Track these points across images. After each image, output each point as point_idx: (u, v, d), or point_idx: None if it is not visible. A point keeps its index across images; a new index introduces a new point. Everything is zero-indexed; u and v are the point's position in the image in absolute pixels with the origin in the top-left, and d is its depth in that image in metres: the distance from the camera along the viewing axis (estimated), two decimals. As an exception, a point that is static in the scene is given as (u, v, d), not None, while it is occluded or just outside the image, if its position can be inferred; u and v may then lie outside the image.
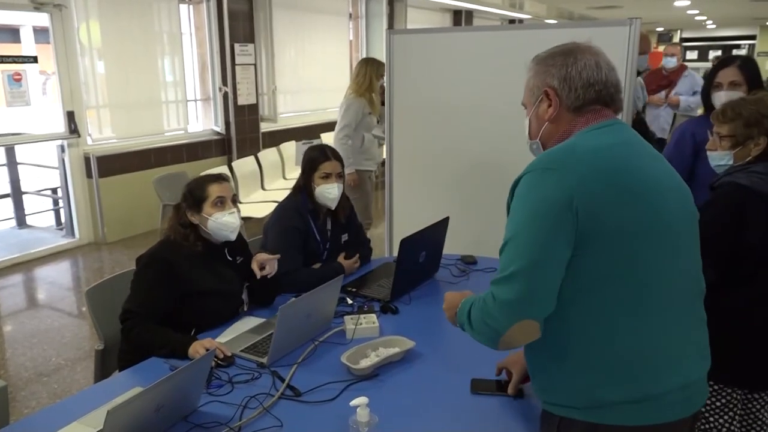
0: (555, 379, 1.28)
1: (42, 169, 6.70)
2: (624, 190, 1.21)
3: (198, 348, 1.91)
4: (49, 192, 6.50)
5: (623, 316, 1.21)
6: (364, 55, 9.15)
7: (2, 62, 4.93)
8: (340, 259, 2.65)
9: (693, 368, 1.29)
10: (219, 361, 1.87)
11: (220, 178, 2.23)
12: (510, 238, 1.23)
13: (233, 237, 2.21)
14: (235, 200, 2.23)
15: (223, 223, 2.15)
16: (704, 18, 15.64)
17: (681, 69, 5.80)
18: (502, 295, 1.22)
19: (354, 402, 1.38)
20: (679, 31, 19.69)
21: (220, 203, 2.16)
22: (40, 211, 6.51)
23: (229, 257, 2.25)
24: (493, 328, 1.24)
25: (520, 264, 1.20)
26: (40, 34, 5.30)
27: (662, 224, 1.23)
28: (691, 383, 1.27)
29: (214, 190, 2.17)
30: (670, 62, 5.81)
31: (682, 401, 1.26)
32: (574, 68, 1.32)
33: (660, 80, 5.78)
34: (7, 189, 6.27)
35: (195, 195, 2.17)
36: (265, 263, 2.28)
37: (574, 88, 1.32)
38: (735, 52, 18.21)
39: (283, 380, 1.77)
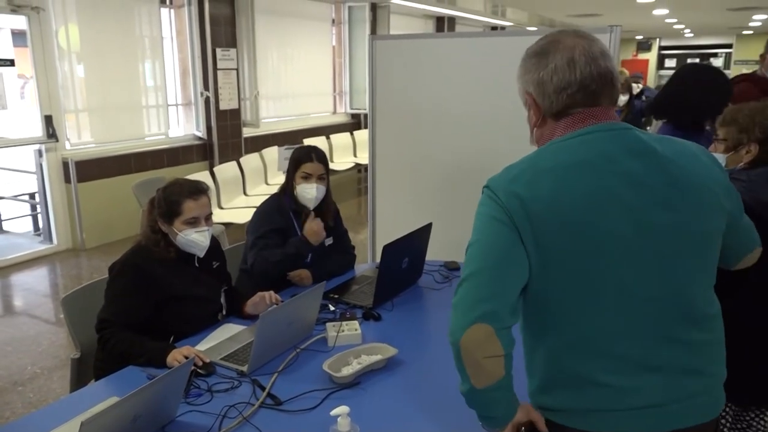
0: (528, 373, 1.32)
1: (20, 174, 6.59)
2: (568, 220, 1.15)
3: (176, 356, 1.87)
4: (26, 197, 6.39)
5: (567, 348, 1.21)
6: (347, 61, 9.15)
7: (-22, 65, 4.84)
8: (309, 223, 2.58)
9: (659, 393, 1.21)
10: (199, 370, 1.84)
11: (199, 191, 2.12)
12: (467, 248, 1.25)
13: (201, 254, 2.16)
14: (209, 218, 2.15)
15: (191, 240, 2.10)
16: (682, 26, 15.87)
17: None
18: (455, 299, 1.22)
19: (335, 411, 1.36)
20: (658, 39, 19.97)
21: (193, 221, 2.09)
22: (17, 217, 6.39)
23: (197, 264, 2.20)
24: (452, 342, 1.20)
25: (470, 269, 1.21)
26: (19, 37, 5.21)
27: (620, 250, 1.16)
28: (654, 405, 1.21)
29: (189, 208, 2.08)
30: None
31: (640, 417, 1.21)
32: (545, 72, 1.23)
33: None
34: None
35: (169, 206, 2.09)
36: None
37: (547, 95, 1.24)
38: (712, 60, 18.50)
39: (263, 389, 1.75)
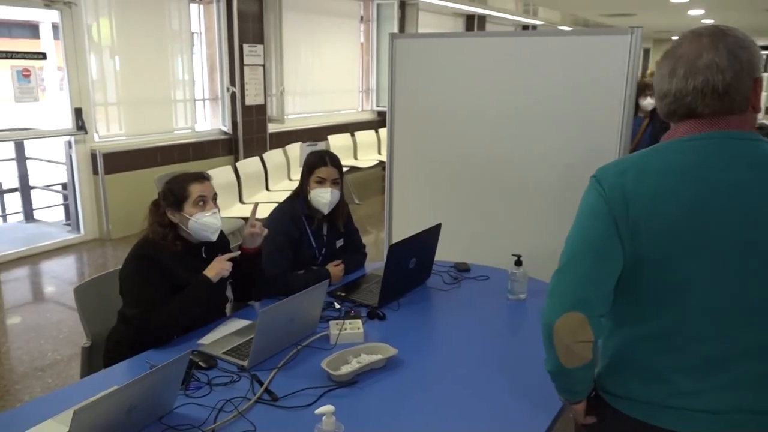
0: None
1: (52, 165, 6.78)
2: (666, 222, 1.18)
3: (216, 266, 2.13)
4: (58, 187, 6.56)
5: (643, 340, 1.27)
6: (375, 59, 9.16)
7: (12, 58, 4.98)
8: (330, 266, 2.64)
9: (723, 400, 1.23)
10: (200, 363, 1.87)
11: (201, 176, 2.21)
12: (567, 238, 1.30)
13: (214, 238, 2.21)
14: (215, 199, 2.22)
15: (204, 224, 2.15)
16: (721, 28, 15.47)
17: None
18: (550, 287, 1.29)
19: (320, 410, 1.37)
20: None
21: (202, 203, 2.15)
22: (47, 206, 6.57)
23: (204, 255, 2.24)
24: (545, 324, 1.29)
25: (567, 257, 1.28)
26: (58, 30, 5.36)
27: (712, 258, 1.18)
28: (716, 411, 1.22)
29: (195, 190, 2.15)
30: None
31: (698, 420, 1.23)
32: (658, 77, 1.29)
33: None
34: (15, 183, 6.34)
35: (175, 194, 2.15)
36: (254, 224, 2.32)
37: (656, 99, 1.31)
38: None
39: (261, 384, 1.77)
